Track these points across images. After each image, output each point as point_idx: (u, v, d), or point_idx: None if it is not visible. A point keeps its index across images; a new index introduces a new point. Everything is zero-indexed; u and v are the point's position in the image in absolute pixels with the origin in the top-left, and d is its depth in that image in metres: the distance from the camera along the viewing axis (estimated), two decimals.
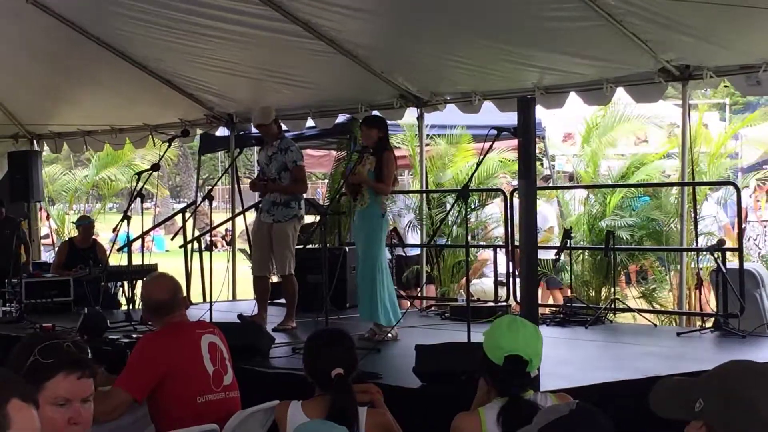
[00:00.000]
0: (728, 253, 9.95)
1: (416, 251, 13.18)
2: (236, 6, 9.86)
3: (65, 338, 3.45)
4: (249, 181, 10.96)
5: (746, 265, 10.18)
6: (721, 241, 11.04)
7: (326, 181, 17.09)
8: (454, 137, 15.74)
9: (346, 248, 11.61)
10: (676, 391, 2.43)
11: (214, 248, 12.77)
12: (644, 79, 9.75)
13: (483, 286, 14.10)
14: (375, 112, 10.89)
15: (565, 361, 7.80)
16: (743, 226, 13.88)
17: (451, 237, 13.69)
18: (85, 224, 14.31)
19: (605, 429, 2.60)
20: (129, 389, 5.32)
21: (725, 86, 12.07)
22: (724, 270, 9.63)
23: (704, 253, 10.65)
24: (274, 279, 10.06)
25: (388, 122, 10.24)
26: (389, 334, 8.91)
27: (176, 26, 10.71)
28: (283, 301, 10.16)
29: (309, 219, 12.12)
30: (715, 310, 10.04)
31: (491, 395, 4.25)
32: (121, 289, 12.62)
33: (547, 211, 15.03)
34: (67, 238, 16.31)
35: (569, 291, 13.18)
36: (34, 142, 15.66)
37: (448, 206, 12.77)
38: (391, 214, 9.85)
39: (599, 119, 15.87)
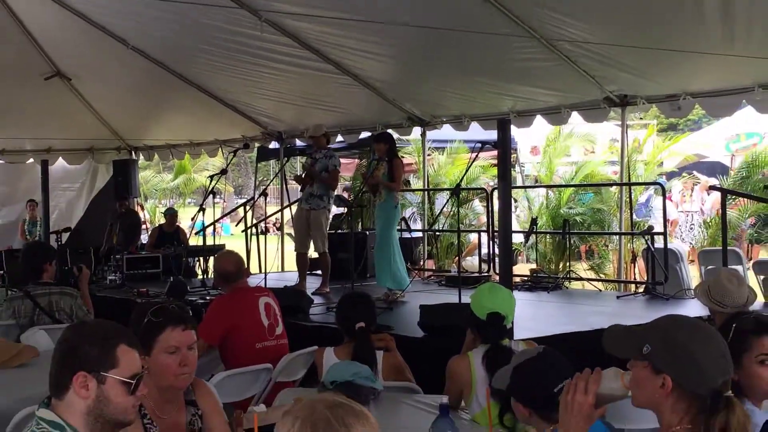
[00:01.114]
0: (656, 236, 9.94)
1: (418, 234, 13.18)
2: (284, 49, 9.86)
3: (171, 301, 3.48)
4: (294, 181, 10.96)
5: (670, 245, 10.18)
6: (650, 227, 11.05)
7: (351, 182, 17.04)
8: (449, 149, 15.82)
9: (367, 232, 11.65)
10: (627, 337, 2.45)
11: (267, 233, 12.77)
12: (593, 105, 9.74)
13: (472, 261, 14.15)
14: (389, 130, 10.88)
15: (532, 317, 7.81)
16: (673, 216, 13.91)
17: (446, 224, 13.72)
18: (171, 214, 14.39)
19: (563, 365, 2.62)
20: (205, 337, 5.35)
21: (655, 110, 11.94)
22: (653, 249, 9.64)
23: (638, 235, 10.65)
24: (313, 255, 10.05)
25: (400, 138, 10.28)
26: (399, 297, 8.96)
27: (239, 65, 10.72)
28: (319, 272, 10.18)
29: (339, 211, 12.15)
30: (645, 279, 10.05)
31: (477, 343, 4.27)
32: (197, 263, 12.67)
33: None
34: (157, 225, 16.34)
35: (535, 264, 13.20)
36: (132, 152, 15.66)
37: (444, 201, 12.74)
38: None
39: (554, 136, 15.97)
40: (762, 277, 8.90)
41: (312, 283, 9.85)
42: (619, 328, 2.50)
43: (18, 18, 11.17)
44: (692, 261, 12.08)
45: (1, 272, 9.71)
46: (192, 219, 13.61)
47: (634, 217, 13.14)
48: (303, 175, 9.72)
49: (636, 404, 2.42)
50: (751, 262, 10.78)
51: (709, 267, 9.30)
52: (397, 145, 9.74)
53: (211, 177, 12.12)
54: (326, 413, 1.87)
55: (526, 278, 10.87)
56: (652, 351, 2.32)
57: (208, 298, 8.68)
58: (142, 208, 20.58)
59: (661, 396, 2.30)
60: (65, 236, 12.97)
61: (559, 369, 2.79)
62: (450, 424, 3.01)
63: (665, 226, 10.42)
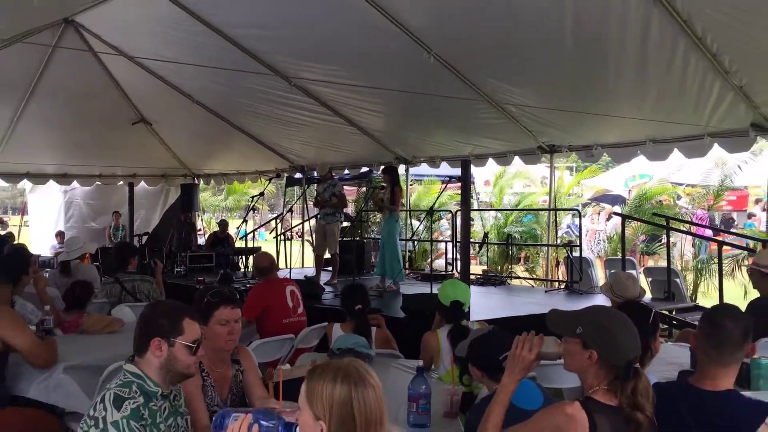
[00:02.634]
0: (574, 247, 9.97)
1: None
2: (308, 106, 9.87)
3: (224, 287, 3.49)
4: (312, 202, 10.96)
5: (584, 254, 10.21)
6: (570, 241, 11.06)
7: (354, 203, 17.05)
8: (426, 181, 15.86)
9: (365, 240, 11.65)
10: (565, 318, 2.47)
11: (291, 239, 12.76)
12: (529, 152, 9.79)
13: (440, 263, 14.16)
14: (382, 167, 10.91)
15: (483, 304, 7.82)
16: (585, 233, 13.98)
17: (422, 235, 13.74)
18: (223, 224, 14.35)
19: (506, 340, 2.62)
20: (246, 315, 5.35)
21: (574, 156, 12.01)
22: (571, 257, 9.66)
23: (561, 246, 10.67)
24: (327, 256, 10.05)
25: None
26: (391, 287, 8.96)
27: (274, 116, 10.73)
28: (330, 268, 10.18)
29: (346, 224, 12.12)
30: (566, 278, 10.06)
31: (443, 323, 4.28)
32: (240, 260, 12.65)
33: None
34: (212, 232, 16.33)
35: (486, 266, 13.20)
36: (195, 178, 15.60)
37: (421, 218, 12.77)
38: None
39: (500, 173, 16.08)
40: (650, 279, 8.93)
41: (324, 277, 9.84)
42: (558, 313, 2.52)
43: (114, 78, 11.17)
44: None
45: (97, 264, 9.65)
46: (237, 228, 13.60)
47: (562, 233, 13.22)
48: (318, 199, 9.77)
49: (566, 369, 2.45)
50: (642, 268, 10.79)
51: (612, 271, 9.33)
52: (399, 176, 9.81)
53: (252, 197, 12.15)
54: (355, 366, 1.94)
55: (479, 276, 10.89)
56: (584, 332, 2.35)
57: (248, 285, 8.68)
58: (201, 220, 20.57)
59: (587, 365, 2.33)
60: (144, 238, 12.96)
61: (503, 343, 2.79)
62: (424, 381, 3.01)
63: (581, 241, 10.46)
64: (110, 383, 2.59)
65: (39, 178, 14.33)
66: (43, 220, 16.74)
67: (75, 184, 15.00)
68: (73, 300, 5.25)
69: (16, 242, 11.76)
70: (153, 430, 2.49)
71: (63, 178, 14.42)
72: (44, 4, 7.44)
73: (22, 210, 19.28)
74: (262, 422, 2.07)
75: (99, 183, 15.08)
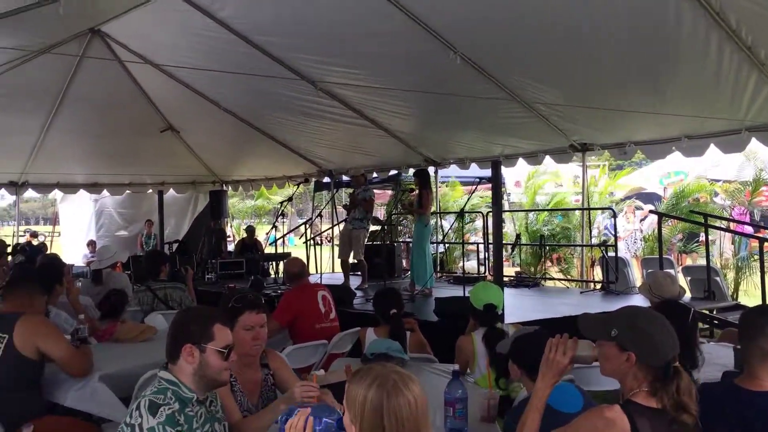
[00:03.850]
0: (609, 247, 9.86)
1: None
2: (334, 110, 9.89)
3: (248, 292, 3.50)
4: (341, 207, 10.99)
5: (619, 254, 10.10)
6: (605, 241, 10.95)
7: (384, 206, 17.04)
8: (450, 183, 15.88)
9: (395, 244, 11.65)
10: (597, 322, 2.45)
11: (321, 244, 12.80)
12: (561, 151, 9.70)
13: (472, 264, 14.09)
14: (411, 170, 10.90)
15: (517, 306, 7.76)
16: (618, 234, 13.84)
17: (453, 238, 13.70)
18: (251, 230, 14.45)
19: (544, 337, 2.60)
20: (278, 320, 5.38)
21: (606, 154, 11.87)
22: (607, 257, 9.56)
23: (596, 246, 10.58)
24: (352, 260, 10.07)
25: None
26: (423, 291, 8.94)
27: (301, 121, 10.77)
28: (359, 273, 10.19)
29: (376, 228, 12.14)
30: (602, 279, 9.96)
31: (476, 326, 4.26)
32: (270, 266, 12.71)
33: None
34: (240, 238, 16.46)
35: (519, 268, 13.13)
36: (223, 185, 15.72)
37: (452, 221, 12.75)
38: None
39: (531, 173, 15.98)
40: (689, 278, 8.80)
41: (354, 281, 9.86)
42: (589, 317, 2.49)
43: (141, 87, 11.31)
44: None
45: (129, 272, 9.77)
46: (266, 234, 13.68)
47: (596, 233, 13.12)
48: (348, 204, 9.83)
49: (604, 374, 2.42)
50: (681, 267, 10.64)
51: (649, 270, 9.21)
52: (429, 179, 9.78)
53: (281, 203, 12.23)
54: (394, 375, 1.94)
55: (512, 278, 10.83)
56: (619, 334, 2.33)
57: (279, 291, 8.71)
58: (230, 226, 20.73)
59: (625, 368, 2.31)
60: (175, 246, 13.10)
61: (546, 342, 2.80)
62: (460, 384, 3.00)
63: (616, 240, 10.34)
64: (145, 390, 2.62)
65: (69, 187, 14.55)
66: (75, 230, 17.04)
67: (105, 192, 15.21)
68: (108, 308, 5.32)
69: (48, 252, 11.97)
70: None
71: (93, 187, 14.63)
72: (71, 15, 7.55)
73: (54, 220, 19.63)
74: (324, 419, 2.10)
75: (129, 191, 15.28)
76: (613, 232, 11.29)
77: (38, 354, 3.86)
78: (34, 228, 23.78)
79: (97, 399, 3.88)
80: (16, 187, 13.56)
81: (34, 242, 16.55)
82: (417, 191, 9.26)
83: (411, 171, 10.67)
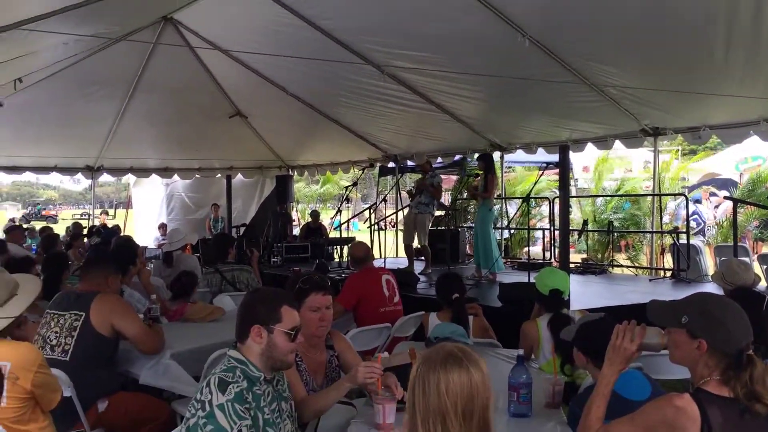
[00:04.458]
0: (681, 234, 9.63)
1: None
2: (400, 95, 9.88)
3: (315, 274, 3.55)
4: (406, 192, 10.97)
5: (692, 241, 9.83)
6: (676, 227, 10.68)
7: (448, 191, 16.98)
8: (520, 168, 15.65)
9: (459, 229, 11.61)
10: (667, 309, 2.41)
11: (385, 229, 12.86)
12: (631, 135, 9.47)
13: (537, 250, 13.94)
14: (476, 155, 10.83)
15: (584, 293, 7.68)
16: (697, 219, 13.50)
17: (519, 223, 13.58)
18: (315, 214, 14.62)
19: (610, 325, 2.57)
20: (343, 304, 5.45)
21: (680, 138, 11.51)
22: (678, 244, 9.33)
23: (667, 233, 10.33)
24: (416, 245, 10.07)
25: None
26: (488, 276, 8.90)
27: (366, 106, 10.78)
28: (422, 257, 10.20)
29: (440, 213, 12.11)
30: (672, 266, 9.73)
31: (542, 312, 4.23)
32: (335, 250, 12.84)
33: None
34: (305, 222, 16.67)
35: (585, 254, 12.92)
36: (290, 170, 15.90)
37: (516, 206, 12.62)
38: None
39: (600, 158, 15.68)
40: (765, 266, 8.51)
41: (418, 266, 9.87)
42: (658, 303, 2.45)
43: (211, 73, 11.52)
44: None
45: (198, 254, 10.03)
46: (331, 218, 13.83)
47: (667, 219, 12.80)
48: (414, 190, 9.81)
49: (673, 361, 2.38)
50: (756, 255, 10.29)
51: (723, 258, 8.94)
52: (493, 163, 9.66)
53: (346, 188, 12.33)
54: (454, 350, 1.97)
55: (578, 264, 10.67)
56: (690, 321, 2.28)
57: (343, 275, 8.80)
58: (296, 210, 21.00)
59: (696, 355, 2.26)
60: (242, 229, 13.36)
61: (615, 326, 2.78)
62: (525, 369, 2.99)
63: (687, 227, 10.05)
64: (215, 368, 2.69)
65: (142, 172, 15.01)
66: (147, 213, 17.56)
67: (176, 177, 15.62)
68: (178, 289, 5.48)
69: (122, 234, 12.38)
70: (257, 413, 2.58)
71: (164, 172, 15.04)
72: (145, 4, 7.75)
73: (128, 203, 20.27)
74: None
75: (198, 176, 15.64)
76: (700, 220, 11.00)
77: (113, 332, 4.01)
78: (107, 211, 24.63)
79: (170, 375, 4.02)
80: (92, 171, 14.05)
81: (108, 222, 17.13)
82: (481, 175, 9.20)
83: (476, 156, 10.57)
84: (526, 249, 13.17)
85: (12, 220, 23.19)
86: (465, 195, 10.88)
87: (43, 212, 49.05)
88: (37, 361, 3.14)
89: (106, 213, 17.88)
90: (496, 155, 11.90)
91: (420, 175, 10.51)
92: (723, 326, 2.23)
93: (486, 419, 1.90)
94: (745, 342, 2.22)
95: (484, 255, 9.09)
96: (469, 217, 14.10)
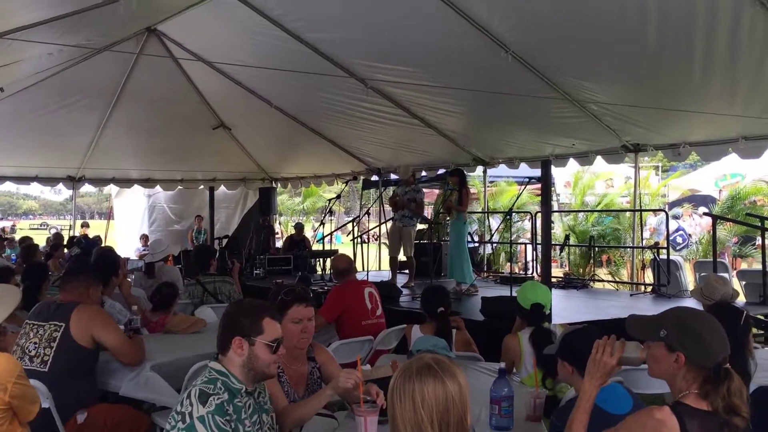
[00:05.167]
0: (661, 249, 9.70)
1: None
2: (383, 108, 9.93)
3: (297, 286, 3.55)
4: (388, 201, 10.94)
5: (672, 257, 9.91)
6: (656, 243, 10.77)
7: (431, 205, 16.98)
8: (501, 183, 15.71)
9: (442, 243, 11.62)
10: (645, 323, 2.43)
11: (368, 242, 12.84)
12: (612, 151, 9.55)
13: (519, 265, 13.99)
14: (458, 168, 10.88)
15: (565, 307, 7.70)
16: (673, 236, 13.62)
17: (500, 237, 13.61)
18: (300, 226, 14.59)
19: (598, 338, 2.58)
20: (325, 316, 5.43)
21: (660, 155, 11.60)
22: (658, 259, 9.40)
23: (647, 249, 10.39)
24: (402, 258, 10.07)
25: (467, 174, 10.27)
26: (469, 290, 8.92)
27: (350, 119, 10.81)
28: (406, 270, 10.19)
29: (422, 227, 12.11)
30: (652, 281, 9.79)
31: (523, 326, 4.23)
32: (318, 262, 12.81)
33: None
34: (288, 234, 16.61)
35: (567, 269, 12.98)
36: (273, 182, 15.88)
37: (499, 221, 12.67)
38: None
39: (583, 174, 15.77)
40: (744, 282, 8.58)
41: (401, 279, 9.86)
42: (637, 317, 2.47)
43: (195, 84, 11.51)
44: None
45: (180, 266, 9.97)
46: (314, 230, 13.80)
47: (647, 235, 12.89)
48: (396, 200, 9.78)
49: (652, 375, 2.40)
50: (735, 271, 10.40)
51: (702, 273, 9.02)
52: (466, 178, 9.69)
53: (329, 200, 12.31)
54: (430, 362, 1.96)
55: (560, 278, 10.72)
56: (668, 334, 2.30)
57: (326, 287, 8.76)
58: (279, 222, 20.94)
59: (674, 369, 2.28)
60: (224, 241, 13.30)
61: (596, 338, 2.79)
62: (506, 383, 3.00)
63: (668, 243, 10.14)
64: (196, 380, 2.68)
65: (124, 182, 14.93)
66: (128, 224, 17.44)
67: (158, 188, 15.54)
68: (159, 301, 5.45)
69: (103, 245, 12.28)
70: (238, 426, 2.56)
71: (147, 183, 14.98)
72: (129, 15, 7.76)
73: (109, 214, 20.13)
74: None
75: (181, 187, 15.57)
76: (686, 234, 11.07)
77: (93, 343, 3.98)
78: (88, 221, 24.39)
79: (151, 387, 3.99)
80: (73, 181, 13.95)
81: (88, 234, 16.98)
82: (455, 190, 9.23)
83: (448, 172, 10.58)
84: (507, 263, 13.24)
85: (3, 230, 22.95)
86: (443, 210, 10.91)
87: None
88: (15, 371, 3.09)
89: (87, 225, 17.69)
90: (479, 170, 11.96)
91: (394, 188, 10.52)
92: (700, 339, 2.25)
93: (463, 431, 1.90)
94: (722, 356, 2.25)
95: (459, 267, 9.11)
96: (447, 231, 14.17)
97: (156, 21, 9.41)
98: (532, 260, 11.41)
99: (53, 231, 16.50)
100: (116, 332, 4.10)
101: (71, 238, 13.01)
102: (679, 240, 14.30)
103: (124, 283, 5.87)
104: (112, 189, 16.17)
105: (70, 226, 15.88)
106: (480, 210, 14.45)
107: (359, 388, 2.80)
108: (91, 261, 6.50)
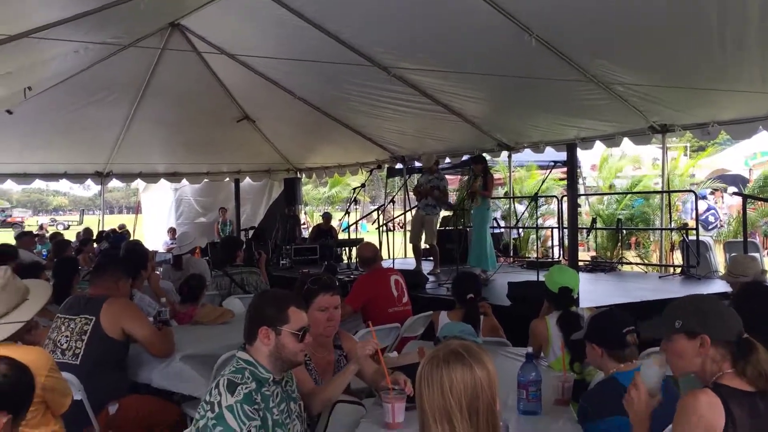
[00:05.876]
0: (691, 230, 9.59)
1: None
2: (407, 96, 9.88)
3: (323, 275, 3.57)
4: (413, 193, 10.92)
5: (701, 237, 9.78)
6: (685, 224, 10.63)
7: (456, 192, 16.90)
8: (526, 167, 15.61)
9: (467, 229, 11.57)
10: (659, 322, 2.41)
11: (393, 230, 12.84)
12: (639, 132, 9.42)
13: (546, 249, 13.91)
14: (484, 154, 10.82)
15: (593, 291, 7.65)
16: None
17: (527, 222, 13.54)
18: (327, 216, 14.63)
19: (626, 317, 2.59)
20: (351, 305, 5.45)
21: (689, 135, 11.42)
22: (687, 240, 9.29)
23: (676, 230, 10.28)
24: (424, 246, 10.06)
25: (492, 159, 10.22)
26: (490, 277, 8.89)
27: (374, 108, 10.78)
28: (431, 258, 10.18)
29: (447, 213, 12.10)
30: (681, 263, 9.68)
31: (551, 309, 4.21)
32: (344, 251, 12.83)
33: None
34: (315, 225, 16.65)
35: (594, 252, 12.88)
36: (297, 172, 15.94)
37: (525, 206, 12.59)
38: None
39: (609, 157, 15.63)
40: None
41: (426, 267, 9.86)
42: (650, 323, 2.47)
43: (217, 77, 11.56)
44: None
45: (207, 258, 10.06)
46: (340, 220, 13.82)
47: (681, 216, 12.76)
48: (420, 189, 9.77)
49: (678, 373, 2.38)
50: (767, 251, 10.25)
51: (733, 254, 8.90)
52: (489, 164, 9.63)
53: (354, 189, 12.32)
54: (458, 348, 1.94)
55: (587, 262, 10.64)
56: (684, 322, 2.27)
57: (352, 276, 8.79)
58: (304, 213, 21.02)
59: (701, 354, 2.26)
60: (251, 232, 13.39)
61: (623, 319, 2.85)
62: (534, 367, 2.99)
63: (697, 224, 10.00)
64: (224, 370, 2.70)
65: (151, 177, 15.08)
66: (156, 218, 17.62)
67: (184, 181, 15.67)
68: (188, 292, 5.50)
69: (131, 239, 12.42)
70: (266, 414, 2.58)
71: (173, 176, 15.12)
72: (152, 10, 7.80)
73: (137, 208, 20.35)
74: None
75: (207, 180, 15.69)
76: (718, 215, 10.93)
77: (123, 335, 4.03)
78: (118, 218, 24.72)
79: (181, 378, 4.04)
80: (101, 177, 14.12)
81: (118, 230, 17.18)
82: (480, 176, 9.19)
83: (471, 158, 10.52)
84: (534, 248, 13.15)
85: (41, 226, 23.39)
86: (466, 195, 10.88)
87: (8, 219, 47.64)
88: (47, 364, 3.14)
89: (123, 227, 17.78)
90: (504, 154, 11.88)
91: (417, 176, 10.50)
92: (718, 315, 2.27)
93: (493, 417, 1.89)
94: (739, 327, 2.26)
95: (480, 254, 9.08)
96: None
97: (179, 15, 9.46)
98: (559, 245, 11.33)
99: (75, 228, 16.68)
100: (146, 324, 4.15)
101: (100, 233, 13.18)
102: (711, 219, 14.09)
103: (153, 276, 5.93)
104: (139, 184, 16.34)
105: (99, 221, 16.07)
106: (503, 195, 14.39)
107: (378, 356, 2.81)
108: (120, 255, 6.59)
